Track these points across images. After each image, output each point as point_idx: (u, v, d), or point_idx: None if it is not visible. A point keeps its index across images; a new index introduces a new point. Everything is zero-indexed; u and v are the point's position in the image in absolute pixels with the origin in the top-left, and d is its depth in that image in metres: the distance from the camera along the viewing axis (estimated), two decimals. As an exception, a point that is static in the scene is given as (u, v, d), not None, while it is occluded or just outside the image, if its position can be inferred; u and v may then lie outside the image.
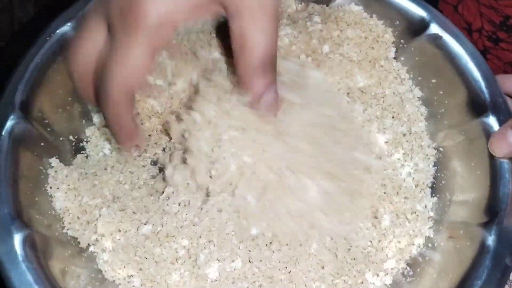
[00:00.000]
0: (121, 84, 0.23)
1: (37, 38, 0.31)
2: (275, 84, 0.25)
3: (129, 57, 0.22)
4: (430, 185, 0.31)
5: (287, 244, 0.28)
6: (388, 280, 0.28)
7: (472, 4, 0.41)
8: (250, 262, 0.27)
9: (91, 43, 0.24)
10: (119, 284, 0.28)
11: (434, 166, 0.32)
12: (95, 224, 0.29)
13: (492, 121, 0.30)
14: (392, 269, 0.28)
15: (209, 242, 0.27)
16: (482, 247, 0.26)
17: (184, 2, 0.22)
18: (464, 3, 0.42)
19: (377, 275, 0.28)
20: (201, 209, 0.28)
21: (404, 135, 0.32)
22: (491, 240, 0.26)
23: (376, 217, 0.29)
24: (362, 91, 0.33)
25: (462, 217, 0.29)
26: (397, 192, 0.30)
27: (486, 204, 0.28)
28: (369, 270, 0.28)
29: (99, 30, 0.24)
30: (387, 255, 0.28)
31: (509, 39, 0.38)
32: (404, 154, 0.32)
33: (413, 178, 0.31)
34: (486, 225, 0.27)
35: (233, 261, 0.27)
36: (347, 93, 0.33)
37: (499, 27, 0.38)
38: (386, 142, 0.32)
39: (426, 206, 0.30)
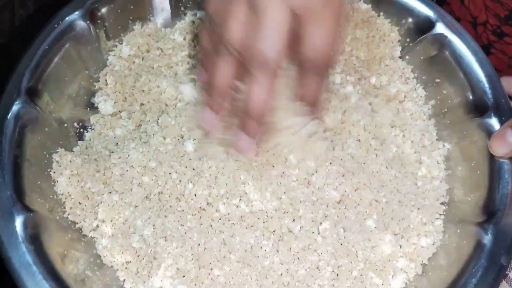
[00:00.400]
0: (276, 44, 0.25)
1: (45, 25, 0.32)
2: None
3: (276, 21, 0.24)
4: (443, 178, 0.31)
5: None
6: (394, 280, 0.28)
7: None
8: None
9: (237, 19, 0.25)
10: (117, 269, 0.28)
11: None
12: (96, 210, 0.29)
13: (494, 121, 0.30)
14: (401, 269, 0.28)
15: (198, 246, 0.28)
16: (478, 246, 0.27)
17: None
18: None
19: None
20: (201, 217, 0.28)
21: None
22: (487, 239, 0.26)
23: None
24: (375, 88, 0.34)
25: (459, 216, 0.29)
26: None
27: (484, 203, 0.28)
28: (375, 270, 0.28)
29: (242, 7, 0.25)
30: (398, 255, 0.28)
31: None
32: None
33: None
34: (483, 225, 0.27)
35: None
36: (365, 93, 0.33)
37: (504, 21, 0.38)
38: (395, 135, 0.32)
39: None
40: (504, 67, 0.37)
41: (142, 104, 0.34)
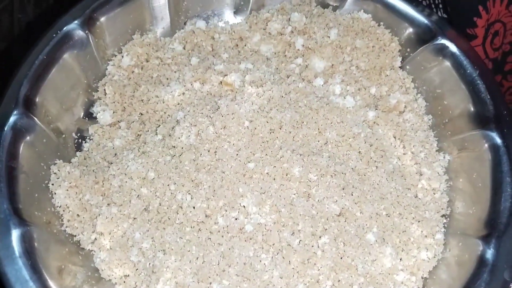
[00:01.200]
0: None
1: (43, 33, 0.32)
2: None
3: None
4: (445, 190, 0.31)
5: None
6: None
7: None
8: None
9: None
10: (115, 283, 0.28)
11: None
12: (94, 223, 0.29)
13: (495, 133, 0.30)
14: (402, 282, 0.28)
15: (197, 259, 0.27)
16: (481, 260, 0.26)
17: None
18: None
19: None
20: (200, 230, 0.28)
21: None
22: (490, 253, 0.26)
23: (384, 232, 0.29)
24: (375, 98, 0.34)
25: (461, 229, 0.29)
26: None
27: (486, 217, 0.28)
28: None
29: None
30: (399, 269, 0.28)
31: None
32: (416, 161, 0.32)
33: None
34: (485, 238, 0.27)
35: None
36: (365, 104, 0.33)
37: None
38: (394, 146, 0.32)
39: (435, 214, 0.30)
40: None
41: (141, 114, 0.34)
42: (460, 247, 0.28)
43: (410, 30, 0.34)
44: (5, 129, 0.28)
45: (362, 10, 0.35)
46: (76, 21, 0.32)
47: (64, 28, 0.32)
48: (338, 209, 0.29)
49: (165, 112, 0.33)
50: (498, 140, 0.29)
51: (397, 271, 0.28)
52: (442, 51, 0.33)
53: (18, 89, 0.29)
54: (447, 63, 0.33)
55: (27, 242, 0.25)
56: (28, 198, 0.28)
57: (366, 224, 0.29)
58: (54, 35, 0.31)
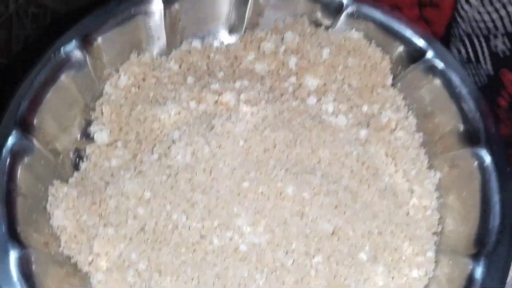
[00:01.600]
0: None
1: (41, 55, 0.32)
2: None
3: None
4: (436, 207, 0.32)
5: None
6: None
7: None
8: None
9: None
10: (113, 304, 0.28)
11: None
12: (91, 244, 0.29)
13: (484, 151, 0.30)
14: None
15: (192, 280, 0.28)
16: (470, 279, 0.27)
17: None
18: None
19: None
20: (195, 250, 0.29)
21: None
22: (479, 272, 0.27)
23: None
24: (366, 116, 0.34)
25: (451, 247, 0.30)
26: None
27: (475, 235, 0.28)
28: None
29: None
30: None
31: None
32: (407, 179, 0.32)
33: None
34: (474, 257, 0.27)
35: None
36: (357, 122, 0.34)
37: None
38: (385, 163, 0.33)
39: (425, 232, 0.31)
40: None
41: (138, 133, 0.34)
42: (451, 265, 0.29)
43: (401, 48, 0.35)
44: (3, 151, 0.29)
45: (353, 29, 0.36)
46: (73, 42, 0.33)
47: (62, 49, 0.32)
48: (331, 228, 0.29)
49: (161, 131, 0.34)
50: (487, 158, 0.30)
51: (391, 288, 0.29)
52: (432, 70, 0.33)
53: (16, 111, 0.30)
54: (437, 81, 0.33)
55: (25, 265, 0.26)
56: (26, 220, 0.28)
57: (359, 243, 0.29)
58: (52, 56, 0.32)
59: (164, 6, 0.35)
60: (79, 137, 0.34)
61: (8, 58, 0.42)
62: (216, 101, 0.34)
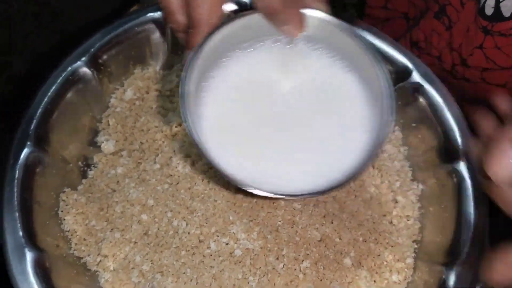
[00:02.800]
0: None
1: (51, 72, 0.35)
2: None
3: None
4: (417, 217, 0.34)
5: None
6: None
7: None
8: None
9: None
10: (119, 301, 0.31)
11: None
12: (99, 246, 0.32)
13: (462, 167, 0.33)
14: None
15: (191, 280, 0.30)
16: (443, 285, 0.29)
17: None
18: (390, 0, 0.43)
19: None
20: (194, 253, 0.31)
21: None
22: (451, 279, 0.29)
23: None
24: None
25: (429, 255, 0.32)
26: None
27: (450, 245, 0.31)
28: None
29: None
30: None
31: (412, 32, 0.39)
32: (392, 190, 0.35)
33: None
34: (448, 265, 0.30)
35: None
36: None
37: (418, 17, 0.39)
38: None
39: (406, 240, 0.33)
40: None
41: (141, 143, 0.37)
42: (427, 272, 0.31)
43: (388, 68, 0.37)
44: (18, 163, 0.31)
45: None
46: (82, 60, 0.35)
47: (70, 67, 0.35)
48: (319, 235, 0.32)
49: (163, 142, 0.37)
50: (465, 175, 0.32)
51: (371, 294, 0.31)
52: (417, 90, 0.36)
53: (29, 126, 0.32)
54: (422, 100, 0.36)
55: (40, 266, 0.29)
56: (40, 225, 0.31)
57: (344, 249, 0.32)
58: (62, 73, 0.35)
59: (165, 24, 0.37)
60: (87, 146, 0.36)
61: (8, 55, 0.43)
62: (215, 114, 0.37)
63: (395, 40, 0.36)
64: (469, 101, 0.37)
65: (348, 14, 0.45)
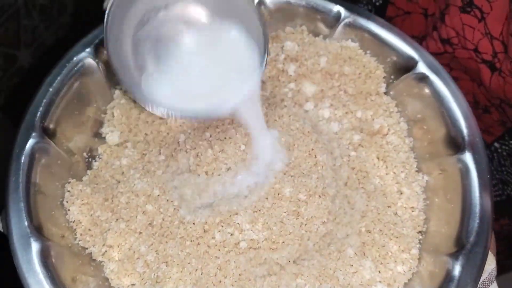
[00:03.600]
0: None
1: (56, 63, 0.35)
2: None
3: None
4: (422, 208, 0.34)
5: None
6: None
7: None
8: None
9: None
10: (123, 291, 0.31)
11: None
12: (104, 236, 0.32)
13: (468, 158, 0.33)
14: None
15: (196, 271, 0.30)
16: (449, 276, 0.29)
17: None
18: None
19: None
20: (199, 244, 0.31)
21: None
22: (457, 269, 0.29)
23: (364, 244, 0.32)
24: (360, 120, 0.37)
25: (434, 246, 0.32)
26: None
27: (456, 235, 0.31)
28: None
29: None
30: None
31: (439, 29, 0.39)
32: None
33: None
34: (453, 255, 0.30)
35: None
36: (351, 127, 0.36)
37: (439, 15, 0.39)
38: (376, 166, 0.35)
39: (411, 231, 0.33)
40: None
41: (146, 135, 0.37)
42: (433, 262, 0.31)
43: (394, 58, 0.37)
44: (24, 153, 0.31)
45: (350, 39, 0.38)
46: (86, 50, 0.35)
47: (76, 57, 0.35)
48: (324, 230, 0.32)
49: (168, 134, 0.37)
50: (471, 166, 0.32)
51: (375, 283, 0.31)
52: (423, 80, 0.35)
53: (34, 116, 0.32)
54: (427, 91, 0.35)
55: (46, 256, 0.29)
56: (46, 215, 0.31)
57: (348, 240, 0.32)
58: (67, 64, 0.35)
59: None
60: (91, 137, 0.37)
61: (17, 48, 0.43)
62: (220, 106, 0.37)
63: (420, 39, 0.36)
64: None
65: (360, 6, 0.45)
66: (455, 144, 0.34)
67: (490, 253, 0.31)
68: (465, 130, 0.33)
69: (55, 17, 0.46)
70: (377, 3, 0.44)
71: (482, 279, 0.30)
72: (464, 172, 0.32)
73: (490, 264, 0.31)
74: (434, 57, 0.36)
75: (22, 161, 0.31)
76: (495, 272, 0.32)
